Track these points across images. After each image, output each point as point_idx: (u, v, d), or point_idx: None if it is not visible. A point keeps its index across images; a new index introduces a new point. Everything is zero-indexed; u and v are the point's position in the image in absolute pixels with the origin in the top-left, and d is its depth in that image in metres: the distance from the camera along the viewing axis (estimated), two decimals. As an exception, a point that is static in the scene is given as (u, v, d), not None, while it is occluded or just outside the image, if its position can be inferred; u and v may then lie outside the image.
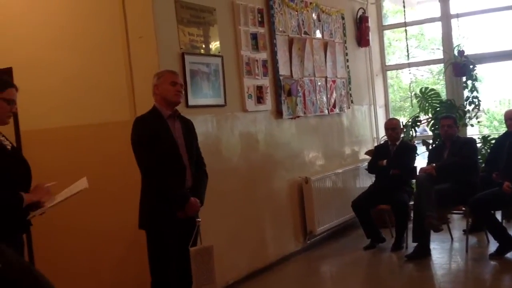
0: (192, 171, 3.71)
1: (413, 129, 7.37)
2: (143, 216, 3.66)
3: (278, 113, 5.84)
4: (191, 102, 4.64)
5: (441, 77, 10.16)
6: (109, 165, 4.56)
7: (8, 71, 4.84)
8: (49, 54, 4.77)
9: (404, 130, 7.14)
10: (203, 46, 4.90)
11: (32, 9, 4.83)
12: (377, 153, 6.47)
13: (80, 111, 4.68)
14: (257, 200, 5.47)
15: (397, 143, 6.29)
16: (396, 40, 11.10)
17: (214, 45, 5.02)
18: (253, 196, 5.42)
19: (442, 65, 8.25)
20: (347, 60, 7.27)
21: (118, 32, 4.49)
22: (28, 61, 4.84)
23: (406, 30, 7.88)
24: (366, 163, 6.67)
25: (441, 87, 9.16)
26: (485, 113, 10.46)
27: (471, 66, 7.32)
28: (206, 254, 2.18)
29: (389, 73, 8.59)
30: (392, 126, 6.32)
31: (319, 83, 6.59)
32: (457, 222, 6.91)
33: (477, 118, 7.50)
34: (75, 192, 3.13)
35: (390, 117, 8.02)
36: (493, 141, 6.63)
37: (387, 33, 8.68)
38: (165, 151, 3.58)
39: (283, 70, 5.93)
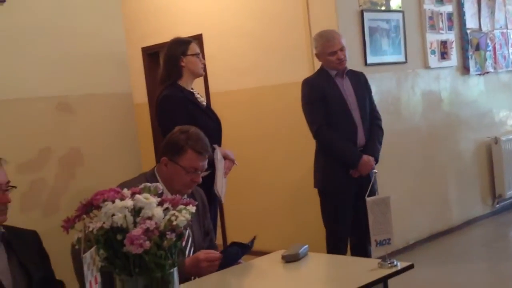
0: (365, 128, 3.65)
1: None
2: (317, 176, 3.72)
3: (465, 69, 5.52)
4: (370, 60, 4.59)
5: None
6: (287, 124, 4.73)
7: (199, 37, 5.23)
8: (234, 20, 5.03)
9: None
10: (383, 2, 4.78)
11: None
12: None
13: (263, 73, 4.90)
14: (440, 160, 5.28)
15: None
16: None
17: (395, 1, 4.87)
18: (436, 156, 5.23)
19: None
20: (547, 8, 6.56)
21: (298, -6, 4.58)
22: (216, 28, 5.17)
23: None
24: None
25: None
26: None
27: None
28: (383, 204, 2.19)
29: None
30: None
31: (512, 36, 6.07)
32: None
33: None
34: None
35: None
36: None
37: None
38: (334, 111, 3.56)
39: (471, 23, 5.57)
